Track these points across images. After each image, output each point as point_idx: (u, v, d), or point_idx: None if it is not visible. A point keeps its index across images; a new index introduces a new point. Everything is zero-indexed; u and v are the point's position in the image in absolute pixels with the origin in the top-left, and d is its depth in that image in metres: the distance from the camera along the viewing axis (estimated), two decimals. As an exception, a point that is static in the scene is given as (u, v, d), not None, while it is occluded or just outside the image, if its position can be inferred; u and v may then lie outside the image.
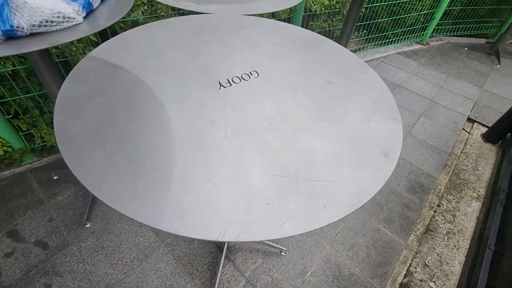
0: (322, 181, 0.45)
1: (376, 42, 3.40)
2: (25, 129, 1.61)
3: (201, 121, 0.51)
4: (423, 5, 3.25)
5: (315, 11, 2.34)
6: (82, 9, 0.81)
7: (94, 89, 0.60)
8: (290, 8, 2.23)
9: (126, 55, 0.67)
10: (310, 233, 1.56)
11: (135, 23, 1.72)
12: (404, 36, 3.54)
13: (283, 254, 1.46)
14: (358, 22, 3.13)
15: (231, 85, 0.63)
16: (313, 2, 2.34)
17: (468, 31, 4.06)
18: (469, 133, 2.43)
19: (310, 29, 2.50)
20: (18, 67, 1.44)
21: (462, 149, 2.25)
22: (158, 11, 1.75)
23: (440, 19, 3.70)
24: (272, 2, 1.11)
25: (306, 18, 2.42)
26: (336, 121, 0.57)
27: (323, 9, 2.38)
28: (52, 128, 1.66)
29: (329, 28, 2.57)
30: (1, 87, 1.44)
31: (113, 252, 1.38)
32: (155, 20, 1.80)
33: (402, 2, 3.14)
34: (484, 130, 2.41)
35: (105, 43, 0.71)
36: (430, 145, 2.23)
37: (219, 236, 0.40)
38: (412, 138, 2.26)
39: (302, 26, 2.42)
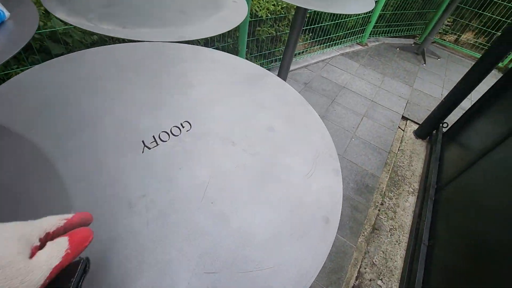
0: (261, 270, 0.40)
1: (322, 45, 3.52)
2: None
3: (115, 204, 0.42)
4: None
5: (261, 16, 2.30)
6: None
7: None
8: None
9: (18, 110, 0.53)
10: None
11: (54, 34, 1.46)
12: (346, 38, 3.73)
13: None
14: (303, 26, 3.18)
15: (157, 144, 0.53)
16: (258, 8, 2.29)
17: (399, 33, 4.47)
18: (403, 130, 2.68)
19: (257, 35, 2.44)
20: None
21: (399, 147, 2.47)
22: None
23: (376, 22, 3.98)
24: (210, 24, 1.01)
25: (253, 24, 2.36)
26: (277, 181, 0.53)
27: (269, 15, 2.35)
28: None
29: (276, 33, 2.55)
30: None
31: None
32: (75, 31, 1.55)
33: (343, 6, 3.28)
34: (416, 127, 2.69)
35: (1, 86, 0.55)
36: (372, 145, 2.40)
37: None
38: (357, 139, 2.41)
39: (248, 33, 2.36)
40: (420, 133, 2.59)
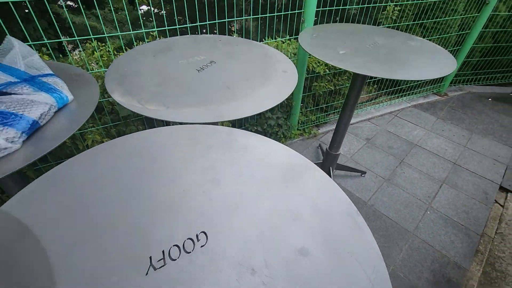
0: None
1: (390, 96, 3.25)
2: None
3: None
4: (438, 58, 3.11)
5: (319, 72, 2.26)
6: (20, 133, 0.73)
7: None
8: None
9: (44, 209, 0.55)
10: None
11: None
12: (420, 89, 3.36)
13: None
14: (367, 79, 3.02)
15: (164, 264, 0.47)
16: (315, 64, 2.27)
17: (491, 81, 3.83)
18: (503, 206, 2.09)
19: (313, 90, 2.38)
20: None
21: (497, 229, 1.91)
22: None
23: (459, 70, 3.52)
24: (254, 100, 0.99)
25: (310, 79, 2.34)
26: None
27: (327, 71, 2.30)
28: None
29: (335, 87, 2.46)
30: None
31: None
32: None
33: (415, 56, 3.02)
34: (522, 203, 2.07)
35: (32, 183, 0.60)
36: (456, 222, 1.92)
37: None
38: (433, 213, 1.97)
39: (304, 87, 2.33)
40: (530, 213, 1.97)
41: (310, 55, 2.22)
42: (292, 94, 2.33)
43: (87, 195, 0.59)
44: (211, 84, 1.07)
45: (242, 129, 1.35)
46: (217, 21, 1.78)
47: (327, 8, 2.14)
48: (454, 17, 2.85)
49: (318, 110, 2.65)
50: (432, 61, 1.41)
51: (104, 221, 0.54)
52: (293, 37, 2.17)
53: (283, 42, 2.12)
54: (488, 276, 1.64)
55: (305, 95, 2.43)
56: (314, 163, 0.73)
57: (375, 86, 3.06)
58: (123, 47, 1.59)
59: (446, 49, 3.02)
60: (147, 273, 0.46)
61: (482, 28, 3.07)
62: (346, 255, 0.53)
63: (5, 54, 0.90)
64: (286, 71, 1.21)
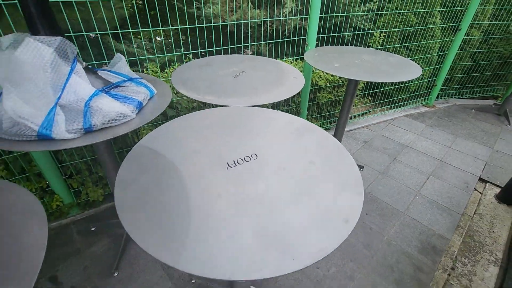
0: (293, 243, 0.64)
1: (383, 107, 3.72)
2: (76, 187, 1.97)
3: (212, 171, 0.76)
4: (423, 75, 3.62)
5: (321, 85, 2.75)
6: (135, 108, 1.18)
7: (139, 168, 0.89)
8: (298, 84, 2.66)
9: (162, 142, 0.98)
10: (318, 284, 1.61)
11: (171, 102, 2.18)
12: (410, 101, 3.84)
13: (291, 313, 1.50)
14: (363, 91, 3.52)
15: (235, 165, 0.89)
16: (318, 78, 2.77)
17: (475, 94, 4.30)
18: (481, 193, 2.44)
19: (317, 100, 2.86)
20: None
21: (476, 210, 2.26)
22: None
23: (444, 85, 4.01)
24: (274, 94, 1.45)
25: (314, 91, 2.83)
26: (311, 197, 0.79)
27: (328, 84, 2.79)
28: (97, 186, 1.99)
29: (335, 98, 2.94)
30: (64, 154, 1.85)
31: (134, 301, 1.52)
32: (184, 100, 2.24)
33: (403, 73, 3.53)
34: (498, 190, 2.43)
35: (153, 131, 1.04)
36: (440, 205, 2.27)
37: (220, 275, 0.59)
38: (421, 198, 2.33)
39: (310, 98, 2.81)
40: (505, 198, 2.32)
41: (313, 71, 2.73)
42: (300, 102, 2.81)
43: (187, 140, 1.02)
44: (244, 85, 1.54)
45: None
46: (236, 45, 2.31)
47: (325, 35, 2.69)
48: (432, 41, 3.40)
49: (322, 118, 3.11)
50: (404, 70, 1.88)
51: (200, 149, 0.97)
52: (299, 57, 2.70)
53: (291, 62, 2.64)
54: (468, 245, 1.98)
55: (310, 104, 2.91)
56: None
57: (370, 98, 3.54)
58: (158, 67, 2.10)
59: (428, 67, 3.55)
60: (227, 168, 0.88)
61: (459, 50, 3.61)
62: (336, 165, 0.94)
63: (114, 65, 1.39)
64: (296, 77, 1.68)
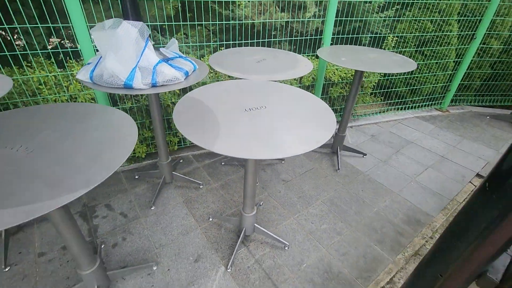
0: (283, 141, 1.08)
1: (395, 107, 4.01)
2: (127, 143, 2.54)
3: (234, 112, 1.23)
4: (437, 80, 3.87)
5: (334, 80, 3.15)
6: (184, 75, 1.68)
7: (188, 106, 1.38)
8: (312, 77, 3.08)
9: (202, 96, 1.47)
10: (309, 238, 2.00)
11: (204, 83, 2.70)
12: (423, 104, 4.09)
13: (286, 248, 1.92)
14: (375, 90, 3.85)
15: (251, 110, 1.35)
16: (332, 74, 3.17)
17: (493, 103, 4.43)
18: (475, 186, 2.69)
19: (329, 95, 3.26)
20: (133, 105, 2.44)
21: (465, 198, 2.52)
22: (220, 77, 2.72)
23: (461, 91, 4.21)
24: (288, 74, 1.90)
25: (326, 86, 3.23)
26: (299, 130, 1.23)
27: (340, 79, 3.18)
28: (142, 144, 2.56)
29: (346, 93, 3.31)
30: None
31: (166, 227, 2.02)
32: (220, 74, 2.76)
33: (417, 76, 3.82)
34: (492, 184, 2.65)
35: (192, 91, 1.53)
36: (433, 191, 2.56)
37: (238, 155, 1.03)
38: (416, 184, 2.64)
39: (322, 92, 3.22)
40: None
41: (327, 67, 3.13)
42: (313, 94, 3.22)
43: (219, 95, 1.50)
44: (264, 67, 2.00)
45: (278, 100, 2.26)
46: (260, 40, 2.79)
47: (344, 36, 3.10)
48: (446, 48, 3.66)
49: (333, 111, 3.48)
50: (402, 65, 2.24)
51: (227, 100, 1.44)
52: (316, 53, 3.12)
53: (308, 58, 3.08)
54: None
55: (323, 97, 3.31)
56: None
57: (382, 97, 3.85)
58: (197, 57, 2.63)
59: (444, 72, 3.80)
60: (244, 111, 1.35)
61: (476, 57, 3.82)
62: (321, 117, 1.36)
63: (170, 46, 1.92)
64: (306, 65, 2.12)
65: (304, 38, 2.95)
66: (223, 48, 2.70)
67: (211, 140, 1.13)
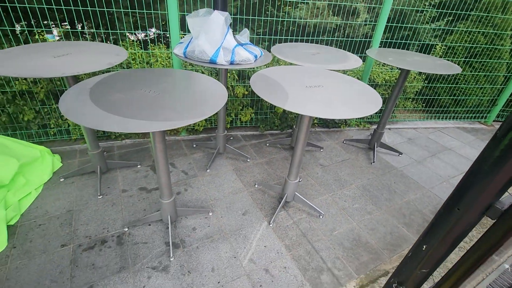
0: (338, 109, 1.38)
1: (436, 115, 4.10)
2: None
3: (297, 86, 1.59)
4: (484, 93, 3.91)
5: (378, 82, 3.38)
6: (254, 58, 2.08)
7: (261, 79, 1.75)
8: (358, 77, 3.34)
9: (270, 73, 1.84)
10: (341, 212, 2.28)
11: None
12: (466, 115, 4.13)
13: (320, 217, 2.22)
14: (417, 96, 3.99)
15: (311, 87, 1.69)
16: (377, 76, 3.41)
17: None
18: (510, 194, 2.76)
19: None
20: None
21: (499, 203, 2.62)
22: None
23: (509, 107, 4.18)
24: (339, 65, 2.22)
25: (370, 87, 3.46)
26: (352, 103, 1.54)
27: (384, 82, 3.40)
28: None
29: (388, 95, 3.52)
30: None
31: (219, 186, 2.42)
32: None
33: (462, 87, 3.90)
34: (529, 195, 2.71)
35: (262, 69, 1.91)
36: (466, 193, 2.69)
37: (303, 112, 1.38)
38: (448, 185, 2.78)
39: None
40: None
41: (372, 69, 3.38)
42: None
43: (285, 74, 1.87)
44: (319, 59, 2.34)
45: (325, 91, 2.58)
46: (310, 38, 3.13)
47: (388, 41, 3.33)
48: (497, 61, 3.71)
49: (373, 111, 3.70)
50: (446, 68, 2.44)
51: (291, 79, 1.80)
52: (364, 54, 3.39)
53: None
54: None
55: (365, 97, 3.55)
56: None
57: (423, 104, 3.98)
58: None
59: (492, 86, 3.86)
60: (305, 87, 1.69)
61: (528, 73, 3.81)
62: (369, 96, 1.66)
63: (243, 34, 2.34)
64: (356, 60, 2.42)
65: (354, 39, 3.24)
66: (277, 42, 3.09)
67: (281, 101, 1.49)
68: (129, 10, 2.53)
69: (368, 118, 3.73)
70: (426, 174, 2.90)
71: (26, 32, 2.36)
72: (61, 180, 2.28)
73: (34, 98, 2.41)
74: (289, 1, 3.48)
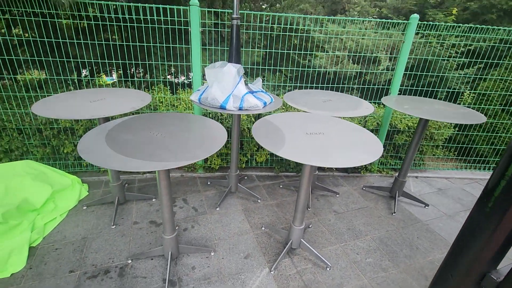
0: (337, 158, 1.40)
1: (473, 165, 3.78)
2: (206, 155, 3.19)
3: (298, 133, 1.64)
4: (529, 142, 3.56)
5: (400, 128, 3.31)
6: (263, 104, 2.23)
7: (263, 125, 1.87)
8: (377, 122, 3.31)
9: (275, 120, 1.95)
10: (352, 266, 2.12)
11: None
12: (511, 167, 3.73)
13: (328, 269, 2.09)
14: (448, 143, 3.76)
15: (311, 134, 1.75)
16: (399, 122, 3.35)
17: None
18: None
19: (394, 141, 3.40)
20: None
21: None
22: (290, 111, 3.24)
23: None
24: (348, 113, 2.26)
25: (391, 132, 3.39)
26: (348, 152, 1.55)
27: (407, 128, 3.31)
28: (218, 157, 3.19)
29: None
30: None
31: (225, 225, 2.45)
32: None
33: (503, 136, 3.61)
34: None
35: (268, 115, 2.04)
36: (506, 257, 2.34)
37: (300, 160, 1.42)
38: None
39: (386, 137, 3.39)
40: None
41: (393, 114, 3.34)
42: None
43: (288, 120, 1.97)
44: (330, 106, 2.42)
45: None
46: (330, 85, 3.24)
47: (413, 88, 3.32)
48: (541, 109, 3.42)
49: (396, 157, 3.56)
50: (468, 118, 2.33)
51: (294, 124, 1.89)
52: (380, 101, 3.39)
53: (375, 105, 3.36)
54: None
55: (387, 143, 3.45)
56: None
57: (455, 152, 3.72)
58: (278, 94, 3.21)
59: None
60: (306, 134, 1.75)
61: None
62: (370, 145, 1.67)
63: (256, 83, 2.55)
64: (367, 107, 2.45)
65: (371, 86, 3.29)
66: (297, 89, 3.26)
67: (278, 147, 1.56)
68: (165, 63, 2.95)
69: (392, 165, 3.57)
70: (457, 231, 2.61)
71: (88, 77, 2.87)
72: (84, 208, 2.52)
73: (74, 134, 2.81)
74: (309, 52, 3.74)
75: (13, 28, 2.85)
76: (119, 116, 2.80)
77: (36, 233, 2.14)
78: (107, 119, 2.17)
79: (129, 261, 2.02)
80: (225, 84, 2.18)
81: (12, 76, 2.78)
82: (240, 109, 2.15)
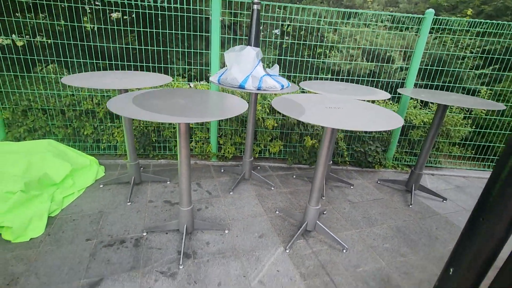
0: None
1: (491, 164, 3.70)
2: (221, 143, 3.23)
3: (318, 107, 1.68)
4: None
5: (415, 123, 3.29)
6: (281, 86, 2.28)
7: (283, 102, 1.90)
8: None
9: (294, 98, 2.00)
10: (369, 250, 2.08)
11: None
12: (531, 168, 3.63)
13: (344, 251, 2.04)
14: (465, 141, 3.71)
15: (331, 108, 1.78)
16: (414, 117, 3.33)
17: None
18: None
19: (409, 136, 3.38)
20: (234, 115, 3.17)
21: None
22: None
23: None
24: (365, 97, 2.29)
25: (406, 128, 3.37)
26: (363, 119, 1.56)
27: (422, 124, 3.29)
28: (232, 145, 3.23)
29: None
30: (222, 121, 3.16)
31: (239, 208, 2.45)
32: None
33: (521, 136, 3.53)
34: None
35: (286, 95, 2.09)
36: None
37: (319, 123, 1.44)
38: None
39: (401, 133, 3.37)
40: None
41: (408, 109, 3.33)
42: (391, 133, 3.40)
43: (309, 99, 2.01)
44: (346, 92, 2.45)
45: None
46: (347, 77, 3.29)
47: (423, 82, 3.33)
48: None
49: (410, 154, 3.51)
50: (486, 105, 2.32)
51: (315, 101, 1.92)
52: (396, 95, 3.40)
53: (391, 104, 3.37)
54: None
55: (402, 138, 3.43)
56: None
57: (473, 151, 3.65)
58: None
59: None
60: (325, 108, 1.78)
61: None
62: (385, 116, 1.67)
63: (274, 69, 2.61)
64: (384, 94, 2.47)
65: (386, 80, 3.32)
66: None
67: (299, 115, 1.59)
68: (186, 50, 3.06)
69: (407, 161, 3.53)
70: (477, 224, 2.53)
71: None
72: (101, 186, 2.56)
73: (95, 117, 2.90)
74: (324, 50, 3.82)
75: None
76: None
77: (55, 204, 2.19)
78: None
79: (144, 234, 2.03)
80: (244, 65, 2.24)
81: (43, 65, 2.93)
82: (258, 89, 2.20)
